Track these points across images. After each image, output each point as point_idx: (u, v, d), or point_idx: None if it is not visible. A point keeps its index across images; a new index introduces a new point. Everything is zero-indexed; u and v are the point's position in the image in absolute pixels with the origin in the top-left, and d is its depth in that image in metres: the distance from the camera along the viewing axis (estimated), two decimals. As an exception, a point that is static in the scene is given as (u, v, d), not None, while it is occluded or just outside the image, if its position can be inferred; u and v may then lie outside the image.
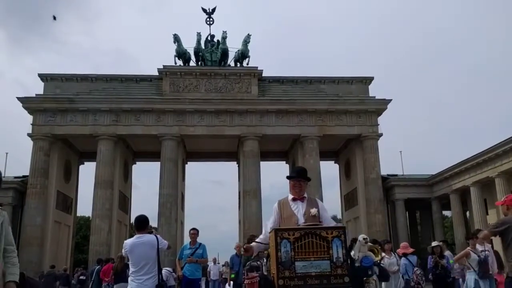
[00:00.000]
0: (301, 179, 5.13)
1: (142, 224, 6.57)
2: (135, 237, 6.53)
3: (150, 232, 6.85)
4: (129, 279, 6.42)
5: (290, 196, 5.12)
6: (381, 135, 32.36)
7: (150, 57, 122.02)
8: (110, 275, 14.63)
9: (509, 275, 5.31)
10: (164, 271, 13.49)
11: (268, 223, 4.98)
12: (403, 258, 10.59)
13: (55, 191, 31.32)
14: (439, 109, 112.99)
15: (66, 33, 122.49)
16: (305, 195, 5.11)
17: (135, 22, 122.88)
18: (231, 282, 11.38)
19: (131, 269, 6.40)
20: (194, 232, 10.28)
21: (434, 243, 11.40)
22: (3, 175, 4.04)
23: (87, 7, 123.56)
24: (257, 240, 5.14)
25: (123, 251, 6.66)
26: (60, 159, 32.20)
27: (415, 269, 10.27)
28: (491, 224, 5.68)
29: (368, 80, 33.84)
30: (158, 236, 6.67)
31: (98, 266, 16.51)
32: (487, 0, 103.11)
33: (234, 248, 11.82)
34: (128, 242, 6.54)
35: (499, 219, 5.57)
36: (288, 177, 5.26)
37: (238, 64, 33.72)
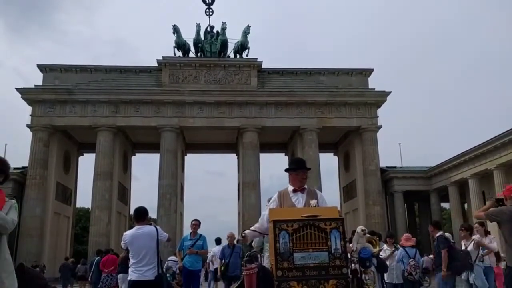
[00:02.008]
0: (305, 169, 5.13)
1: (141, 215, 6.56)
2: (134, 228, 6.50)
3: (150, 224, 6.87)
4: (130, 270, 6.43)
5: (291, 188, 5.11)
6: (380, 127, 32.40)
7: (149, 47, 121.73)
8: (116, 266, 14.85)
9: (508, 265, 5.36)
10: (170, 262, 13.60)
11: (266, 213, 4.88)
12: (400, 248, 10.66)
13: (55, 182, 31.38)
14: (439, 102, 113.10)
15: (66, 22, 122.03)
16: (305, 186, 5.12)
17: (135, 11, 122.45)
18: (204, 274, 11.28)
19: (132, 260, 6.39)
20: (196, 223, 10.25)
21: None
22: None
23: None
24: (251, 228, 5.07)
25: (122, 243, 6.65)
26: (59, 150, 32.23)
27: (410, 260, 10.35)
28: (490, 211, 5.64)
29: (368, 72, 33.81)
30: (158, 227, 6.64)
31: (98, 257, 16.57)
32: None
33: (226, 239, 11.58)
34: (128, 233, 6.53)
35: (498, 208, 5.59)
36: (290, 169, 5.17)
37: (238, 56, 33.68)
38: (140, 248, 6.28)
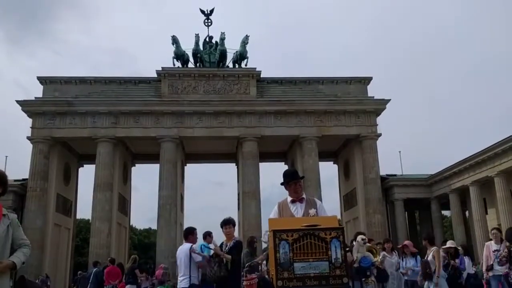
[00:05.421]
0: (298, 180, 5.13)
1: (186, 234, 8.46)
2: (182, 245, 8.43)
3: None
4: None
5: (289, 198, 5.12)
6: (380, 135, 32.40)
7: (149, 57, 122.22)
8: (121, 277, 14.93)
9: None
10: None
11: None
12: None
13: (55, 194, 31.29)
14: (438, 109, 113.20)
15: (65, 32, 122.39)
16: (304, 195, 5.11)
17: (134, 21, 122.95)
18: None
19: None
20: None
21: (449, 243, 11.36)
22: None
23: (86, 5, 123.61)
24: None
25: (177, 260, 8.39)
26: (59, 162, 32.18)
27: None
28: None
29: (367, 80, 33.89)
30: (193, 245, 8.16)
31: (96, 268, 16.60)
32: None
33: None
34: (178, 249, 8.42)
35: None
36: (285, 183, 5.12)
37: (237, 65, 33.74)
38: (179, 261, 8.08)
